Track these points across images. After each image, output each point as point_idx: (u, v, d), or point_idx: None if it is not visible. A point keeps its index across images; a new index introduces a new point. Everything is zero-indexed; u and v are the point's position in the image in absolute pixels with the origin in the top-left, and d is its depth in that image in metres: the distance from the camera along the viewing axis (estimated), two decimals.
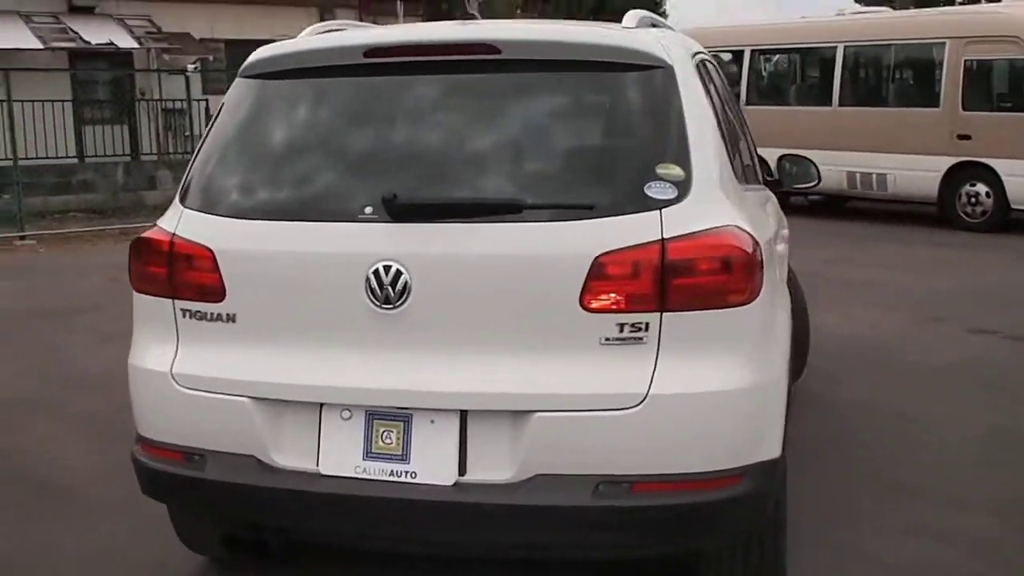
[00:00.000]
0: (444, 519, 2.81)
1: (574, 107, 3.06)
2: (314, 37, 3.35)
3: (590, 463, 2.74)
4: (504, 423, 2.76)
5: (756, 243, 2.92)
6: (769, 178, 5.36)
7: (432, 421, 2.81)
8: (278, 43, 3.32)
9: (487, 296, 2.81)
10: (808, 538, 3.74)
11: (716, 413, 2.79)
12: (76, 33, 18.38)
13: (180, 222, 3.10)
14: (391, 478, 2.82)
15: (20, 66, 16.28)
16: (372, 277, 2.81)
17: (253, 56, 3.31)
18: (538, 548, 2.98)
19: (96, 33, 18.58)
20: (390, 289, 2.80)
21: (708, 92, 3.34)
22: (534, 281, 2.77)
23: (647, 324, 2.74)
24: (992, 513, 4.18)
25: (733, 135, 3.76)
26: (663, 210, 2.78)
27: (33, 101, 15.00)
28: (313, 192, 3.05)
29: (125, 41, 18.80)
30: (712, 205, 2.89)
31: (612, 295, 2.74)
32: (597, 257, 2.73)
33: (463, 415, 2.80)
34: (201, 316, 3.02)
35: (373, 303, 2.82)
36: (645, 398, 2.71)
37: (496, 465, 2.77)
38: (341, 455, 2.87)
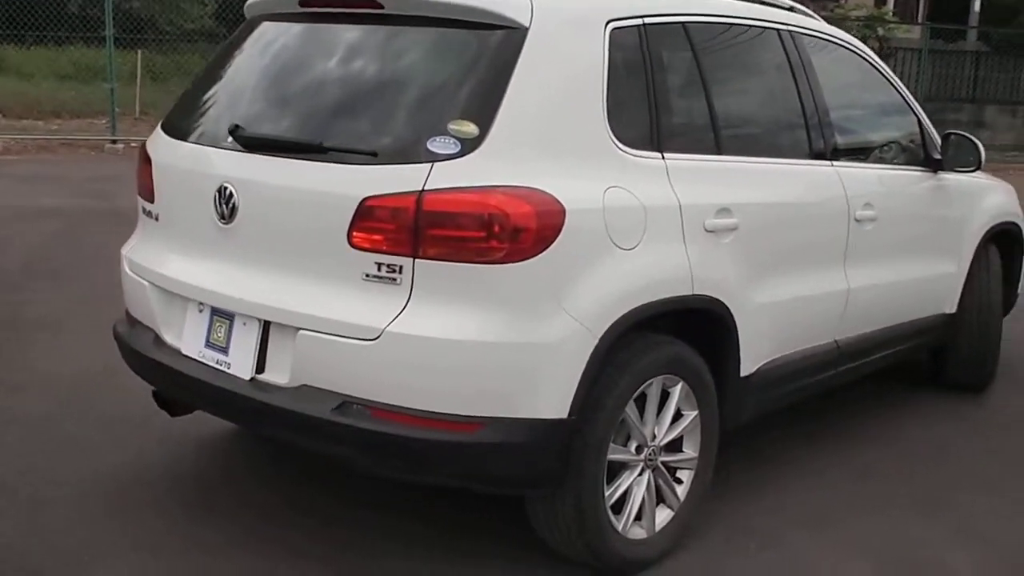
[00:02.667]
0: (241, 406, 3.26)
1: (420, 62, 3.25)
2: None
3: (339, 383, 3.05)
4: (291, 334, 3.14)
5: (545, 208, 2.98)
6: (937, 157, 4.97)
7: (244, 323, 3.27)
8: None
9: (284, 223, 3.19)
10: None
11: (453, 359, 2.96)
12: None
13: (151, 136, 3.80)
14: (216, 365, 3.32)
15: None
16: (217, 195, 3.30)
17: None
18: (310, 449, 3.34)
19: None
20: (224, 207, 3.28)
21: (615, 59, 3.32)
22: (318, 215, 3.09)
23: (401, 267, 2.96)
24: None
25: (685, 105, 3.67)
26: (435, 164, 2.95)
27: None
28: (209, 120, 3.59)
29: None
30: (503, 164, 2.99)
31: (372, 236, 2.99)
32: (364, 200, 2.98)
33: (266, 322, 3.22)
34: (147, 213, 3.72)
35: (216, 218, 3.31)
36: (382, 333, 2.95)
37: (282, 370, 3.17)
38: (193, 341, 3.42)
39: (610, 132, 3.27)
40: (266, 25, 3.71)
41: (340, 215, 3.01)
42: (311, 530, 3.66)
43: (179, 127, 3.66)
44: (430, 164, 2.95)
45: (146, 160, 3.71)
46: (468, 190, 2.94)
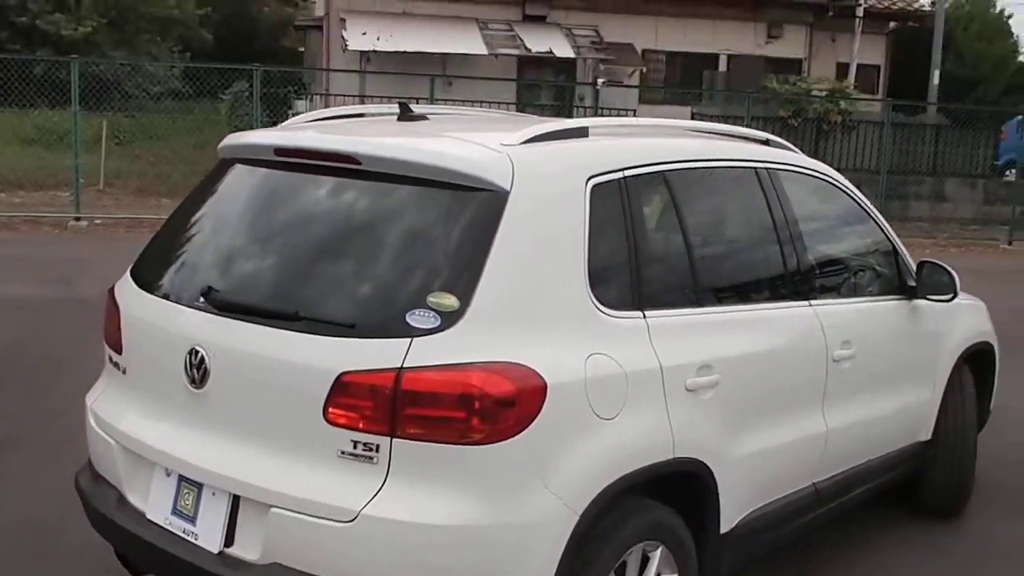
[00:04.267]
0: None
1: (399, 224, 3.17)
2: (272, 131, 3.77)
3: (313, 563, 2.94)
4: (263, 510, 3.03)
5: (526, 385, 2.91)
6: (912, 284, 4.94)
7: (213, 494, 3.16)
8: (242, 132, 3.79)
9: (257, 393, 3.09)
10: None
11: (431, 543, 2.87)
12: (521, 41, 19.98)
13: (120, 281, 3.69)
14: (182, 535, 3.20)
15: (471, 69, 18.13)
16: (187, 358, 3.20)
17: (223, 140, 3.79)
18: None
19: (540, 42, 20.07)
20: (195, 372, 3.17)
21: (596, 217, 3.27)
22: (291, 388, 3.00)
23: (378, 446, 2.87)
24: None
25: (665, 259, 3.64)
26: (414, 339, 2.87)
27: (482, 102, 15.35)
28: (181, 274, 3.49)
29: (563, 50, 20.14)
30: (484, 338, 2.92)
31: (348, 413, 2.90)
32: (340, 375, 2.89)
33: (235, 495, 3.10)
34: (114, 364, 3.60)
35: (186, 381, 3.21)
36: (357, 516, 2.85)
37: (253, 545, 3.06)
38: (159, 506, 3.30)
39: (591, 296, 3.21)
40: (240, 170, 3.63)
41: (315, 389, 2.92)
42: None
43: (149, 278, 3.56)
44: (409, 340, 2.87)
45: (114, 307, 3.60)
46: (448, 368, 2.86)
